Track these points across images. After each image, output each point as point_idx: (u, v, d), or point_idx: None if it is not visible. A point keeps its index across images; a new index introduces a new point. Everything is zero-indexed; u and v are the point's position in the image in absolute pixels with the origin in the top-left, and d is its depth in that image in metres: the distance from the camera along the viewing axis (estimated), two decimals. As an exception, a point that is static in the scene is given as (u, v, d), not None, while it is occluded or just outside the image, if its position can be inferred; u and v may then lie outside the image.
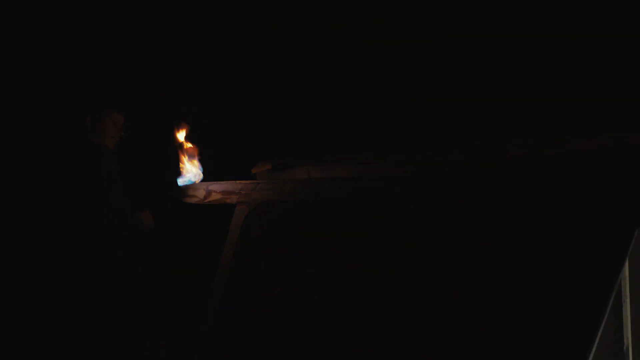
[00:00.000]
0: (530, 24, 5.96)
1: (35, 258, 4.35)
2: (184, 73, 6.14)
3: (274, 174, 4.54)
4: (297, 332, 4.05)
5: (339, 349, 3.90)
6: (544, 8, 5.90)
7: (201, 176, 4.49)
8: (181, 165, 4.49)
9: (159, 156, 5.55)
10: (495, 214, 3.86)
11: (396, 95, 6.20)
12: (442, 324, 3.73)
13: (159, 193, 4.50)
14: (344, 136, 5.92)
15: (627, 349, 3.50)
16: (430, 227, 3.99)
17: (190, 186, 4.47)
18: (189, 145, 4.52)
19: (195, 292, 4.57)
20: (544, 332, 3.48)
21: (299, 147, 5.65)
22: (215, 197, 4.46)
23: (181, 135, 4.51)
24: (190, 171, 4.48)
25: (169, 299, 5.42)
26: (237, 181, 4.49)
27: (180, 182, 4.47)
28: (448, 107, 6.05)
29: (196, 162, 4.50)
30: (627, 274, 3.48)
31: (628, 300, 3.48)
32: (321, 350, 3.95)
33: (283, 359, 4.08)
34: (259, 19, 6.35)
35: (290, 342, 4.05)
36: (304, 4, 6.27)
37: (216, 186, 4.50)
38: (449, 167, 4.15)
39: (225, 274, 4.31)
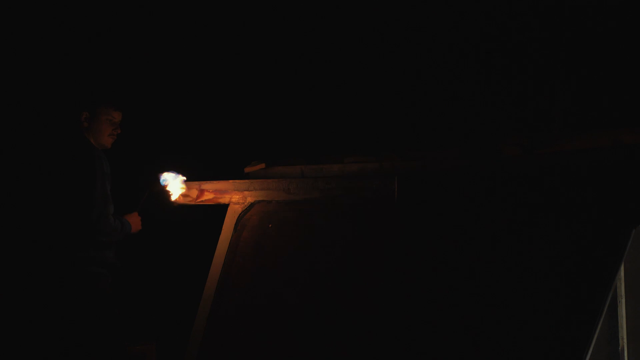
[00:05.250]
0: (527, 24, 5.96)
1: (16, 260, 4.30)
2: (181, 72, 6.14)
3: (268, 173, 4.52)
4: (292, 334, 4.03)
5: (339, 354, 3.89)
6: (535, 10, 5.91)
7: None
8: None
9: (149, 157, 5.54)
10: (490, 212, 3.85)
11: (390, 94, 6.20)
12: (437, 324, 3.72)
13: (147, 194, 4.45)
14: (338, 135, 5.92)
15: (623, 349, 3.49)
16: (425, 225, 3.98)
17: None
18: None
19: (189, 293, 4.55)
20: (539, 333, 3.47)
21: (292, 147, 5.64)
22: (208, 196, 4.44)
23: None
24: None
25: (161, 300, 5.41)
26: (230, 180, 4.47)
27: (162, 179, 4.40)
28: (442, 107, 6.05)
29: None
30: (622, 274, 3.48)
31: (623, 300, 3.47)
32: (320, 353, 3.94)
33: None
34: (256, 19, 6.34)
35: (285, 343, 4.04)
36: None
37: (209, 185, 4.48)
38: (443, 166, 4.13)
39: (218, 274, 4.29)
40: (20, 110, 5.58)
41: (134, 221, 4.21)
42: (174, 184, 4.38)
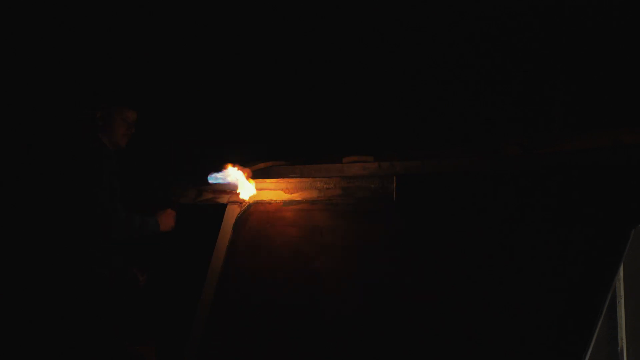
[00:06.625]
0: (527, 24, 5.95)
1: (28, 259, 4.31)
2: (180, 72, 6.13)
3: (266, 173, 4.51)
4: (291, 334, 4.02)
5: (338, 354, 3.88)
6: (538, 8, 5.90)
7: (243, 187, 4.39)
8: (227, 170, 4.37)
9: (152, 156, 5.53)
10: (490, 212, 3.84)
11: (390, 94, 6.18)
12: (437, 324, 3.71)
13: (152, 194, 4.46)
14: (337, 135, 5.91)
15: (622, 349, 3.48)
16: (424, 226, 3.97)
17: (181, 185, 4.44)
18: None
19: (187, 293, 4.54)
20: (539, 333, 3.46)
21: (291, 146, 5.63)
22: (206, 196, 4.44)
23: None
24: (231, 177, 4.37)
25: (159, 301, 5.39)
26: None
27: (212, 178, 4.37)
28: (442, 107, 6.03)
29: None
30: (622, 274, 3.47)
31: (622, 301, 3.46)
32: (318, 354, 3.93)
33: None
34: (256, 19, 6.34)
35: (284, 343, 4.03)
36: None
37: (208, 185, 4.47)
38: (443, 166, 4.12)
39: (216, 274, 4.28)
40: (28, 110, 5.59)
41: (166, 218, 4.19)
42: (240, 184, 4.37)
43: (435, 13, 6.12)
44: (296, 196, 4.30)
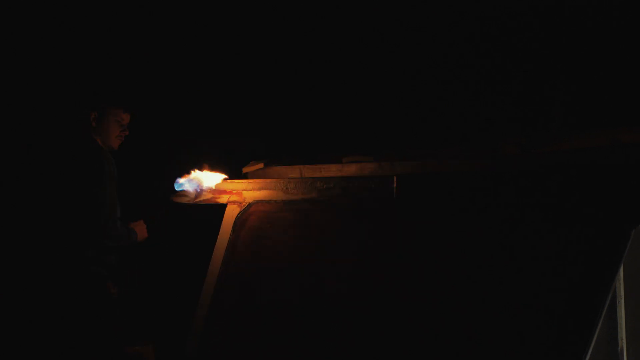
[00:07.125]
0: (523, 24, 5.96)
1: (27, 259, 4.31)
2: (179, 72, 6.13)
3: (266, 173, 4.51)
4: (291, 334, 4.02)
5: (338, 354, 3.88)
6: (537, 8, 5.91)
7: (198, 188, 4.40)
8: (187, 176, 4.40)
9: (151, 156, 5.54)
10: (489, 212, 3.84)
11: (390, 94, 6.19)
12: (435, 324, 3.71)
13: (151, 194, 4.45)
14: (337, 135, 5.92)
15: (622, 349, 3.48)
16: (424, 225, 3.97)
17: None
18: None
19: (186, 293, 4.53)
20: (539, 333, 3.46)
21: (291, 146, 5.64)
22: (206, 196, 4.43)
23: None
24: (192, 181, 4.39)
25: (159, 301, 5.40)
26: (229, 180, 4.46)
27: (177, 186, 4.39)
28: (441, 106, 6.04)
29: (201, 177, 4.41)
30: (622, 274, 3.46)
31: (622, 301, 3.46)
32: (318, 354, 3.93)
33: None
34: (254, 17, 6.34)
35: (284, 343, 4.03)
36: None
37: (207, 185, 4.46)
38: (442, 165, 4.12)
39: (216, 274, 4.27)
40: (28, 110, 5.59)
41: (140, 229, 4.20)
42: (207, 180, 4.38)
43: (435, 13, 6.12)
44: (296, 196, 4.29)
